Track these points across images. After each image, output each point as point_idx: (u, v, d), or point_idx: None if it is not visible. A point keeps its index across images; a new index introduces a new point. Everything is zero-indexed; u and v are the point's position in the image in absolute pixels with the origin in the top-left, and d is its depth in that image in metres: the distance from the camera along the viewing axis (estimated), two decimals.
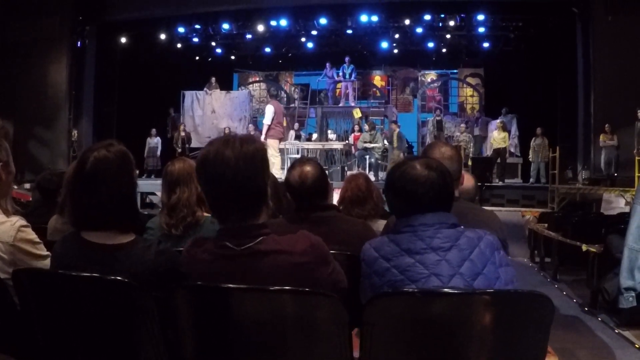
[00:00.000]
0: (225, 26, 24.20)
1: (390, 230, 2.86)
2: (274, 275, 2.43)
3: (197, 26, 24.30)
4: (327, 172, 4.04)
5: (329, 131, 23.98)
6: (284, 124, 23.06)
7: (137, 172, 2.93)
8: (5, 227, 2.85)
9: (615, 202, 14.02)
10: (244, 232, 2.51)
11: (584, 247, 7.95)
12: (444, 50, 26.26)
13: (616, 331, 6.71)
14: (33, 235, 2.94)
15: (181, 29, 24.12)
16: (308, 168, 3.71)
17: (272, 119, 16.36)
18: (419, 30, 24.13)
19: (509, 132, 22.12)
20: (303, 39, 26.09)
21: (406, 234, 2.73)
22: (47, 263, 2.89)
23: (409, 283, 2.62)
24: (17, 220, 2.90)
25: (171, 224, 3.92)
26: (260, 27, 23.75)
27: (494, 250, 2.71)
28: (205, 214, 4.04)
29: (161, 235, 3.88)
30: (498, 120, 21.89)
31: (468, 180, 4.89)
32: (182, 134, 22.46)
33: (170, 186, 4.01)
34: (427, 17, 22.79)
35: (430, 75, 28.30)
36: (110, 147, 2.74)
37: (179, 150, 21.89)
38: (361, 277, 2.86)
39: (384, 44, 25.96)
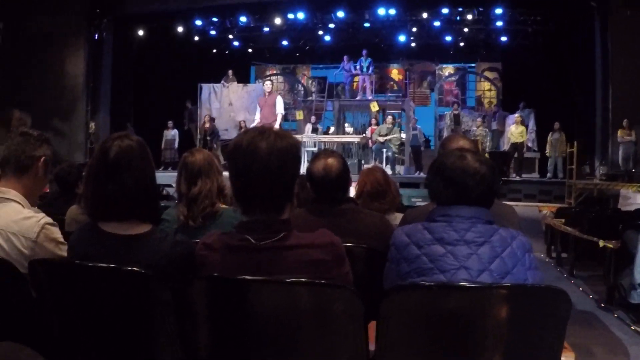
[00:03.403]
0: (243, 19, 24.21)
1: (425, 218, 2.84)
2: (291, 271, 2.41)
3: (215, 19, 24.33)
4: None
5: (346, 124, 23.95)
6: (300, 117, 23.18)
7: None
8: (30, 222, 2.88)
9: (633, 198, 13.93)
10: (266, 227, 2.49)
11: (601, 243, 7.91)
12: (461, 44, 26.18)
13: (632, 328, 6.68)
14: (57, 235, 2.97)
15: (198, 22, 24.13)
16: (332, 161, 3.70)
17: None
18: (437, 23, 24.07)
19: (527, 126, 22.03)
20: (320, 32, 26.07)
21: (441, 224, 2.72)
22: None
23: (437, 273, 2.62)
24: (43, 218, 2.93)
25: (190, 215, 3.88)
26: (278, 20, 23.73)
27: (525, 252, 2.70)
28: (223, 206, 4.04)
29: (178, 227, 3.86)
30: (516, 115, 21.78)
31: None
32: (207, 125, 22.44)
33: (192, 177, 3.97)
34: (445, 10, 22.72)
35: (448, 69, 28.19)
36: (131, 137, 2.76)
37: (201, 142, 21.94)
38: (388, 262, 2.86)
39: (402, 38, 25.90)
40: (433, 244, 2.67)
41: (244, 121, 22.52)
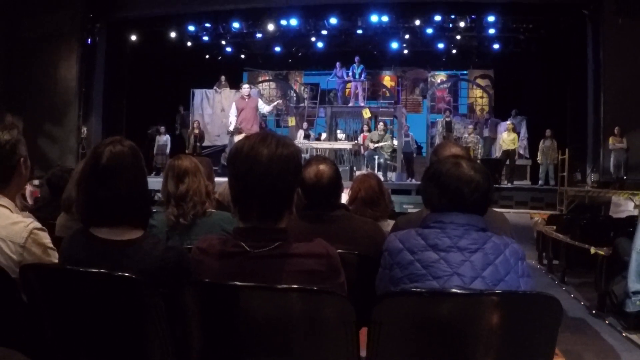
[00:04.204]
0: (236, 25, 24.18)
1: (419, 224, 2.85)
2: (285, 280, 2.39)
3: (207, 24, 24.28)
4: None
5: (338, 131, 23.96)
6: (292, 123, 23.16)
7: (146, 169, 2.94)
8: (18, 227, 2.84)
9: (624, 205, 13.96)
10: (262, 235, 2.48)
11: (592, 250, 7.93)
12: (454, 51, 26.21)
13: (623, 334, 6.68)
14: (46, 240, 2.92)
15: (191, 27, 24.09)
16: (324, 167, 3.69)
17: None
18: (429, 30, 24.08)
19: (519, 133, 22.09)
20: (313, 39, 26.08)
21: (434, 230, 2.74)
22: None
23: (430, 279, 2.63)
24: (31, 223, 2.89)
25: (179, 213, 3.92)
26: (271, 26, 23.71)
27: (518, 260, 2.71)
28: (212, 211, 4.07)
29: (168, 230, 3.88)
30: (508, 122, 21.86)
31: None
32: (196, 131, 22.49)
33: (179, 177, 4.03)
34: (438, 17, 22.73)
35: (440, 76, 28.26)
36: (124, 142, 2.75)
37: (190, 147, 21.97)
38: (380, 267, 2.87)
39: (394, 44, 25.92)
40: (426, 250, 2.68)
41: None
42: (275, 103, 20.92)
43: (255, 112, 16.14)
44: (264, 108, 16.50)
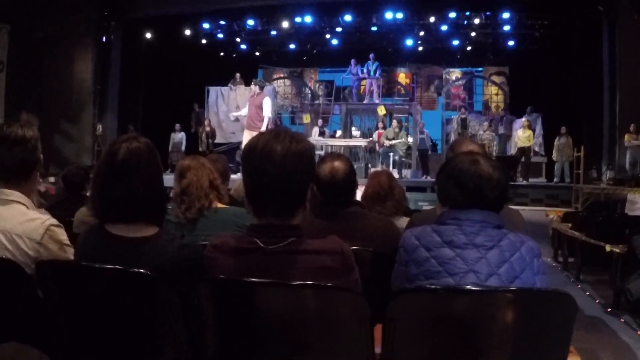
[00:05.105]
0: (250, 22, 24.22)
1: (435, 221, 2.84)
2: (299, 276, 2.38)
3: (222, 22, 24.35)
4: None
5: (353, 128, 23.96)
6: (307, 121, 23.15)
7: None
8: (35, 224, 2.85)
9: None
10: (276, 231, 2.47)
11: (608, 248, 7.90)
12: (469, 48, 26.12)
13: (638, 333, 6.66)
14: (63, 237, 2.93)
15: (206, 25, 24.14)
16: (339, 164, 3.68)
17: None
18: (444, 27, 24.05)
19: (534, 130, 22.00)
20: (328, 36, 26.09)
21: (450, 227, 2.72)
22: None
23: (446, 276, 2.62)
24: (48, 219, 2.90)
25: (184, 208, 3.93)
26: (285, 24, 23.75)
27: (534, 257, 2.69)
28: (221, 205, 4.08)
29: (181, 226, 3.89)
30: (523, 119, 21.78)
31: None
32: (207, 129, 22.52)
33: (181, 174, 4.06)
34: (452, 14, 22.72)
35: (455, 73, 28.16)
36: (140, 139, 2.76)
37: (203, 145, 22.02)
38: (396, 264, 2.86)
39: (409, 41, 25.87)
40: (442, 247, 2.67)
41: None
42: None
43: (259, 110, 15.97)
44: (267, 110, 16.16)
